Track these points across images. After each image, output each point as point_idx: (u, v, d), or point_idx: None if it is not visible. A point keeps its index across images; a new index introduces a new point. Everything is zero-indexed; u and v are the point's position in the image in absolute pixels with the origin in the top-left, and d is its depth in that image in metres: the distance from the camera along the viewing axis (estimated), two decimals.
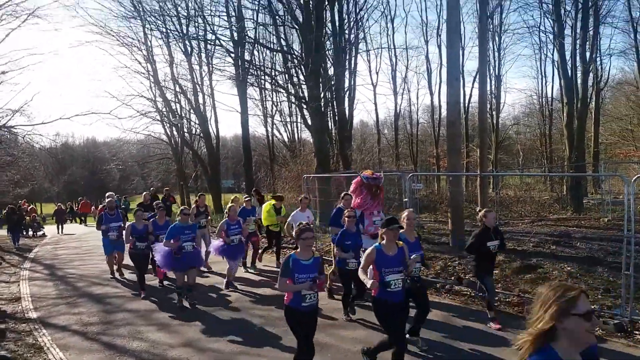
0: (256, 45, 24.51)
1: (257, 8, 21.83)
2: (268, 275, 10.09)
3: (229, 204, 9.55)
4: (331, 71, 19.57)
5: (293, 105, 28.51)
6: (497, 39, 29.14)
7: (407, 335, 5.59)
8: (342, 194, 8.54)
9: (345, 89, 22.43)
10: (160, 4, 22.85)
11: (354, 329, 6.62)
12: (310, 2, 16.13)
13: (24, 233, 20.78)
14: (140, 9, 23.66)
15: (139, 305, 8.30)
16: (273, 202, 10.90)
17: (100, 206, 13.04)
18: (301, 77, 19.26)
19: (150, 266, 9.43)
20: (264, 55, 28.90)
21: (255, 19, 22.96)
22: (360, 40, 25.65)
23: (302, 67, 17.94)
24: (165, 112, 28.75)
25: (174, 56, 26.87)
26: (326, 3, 18.09)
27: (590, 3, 20.02)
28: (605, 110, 30.02)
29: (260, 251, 11.18)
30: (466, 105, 30.02)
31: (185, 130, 29.69)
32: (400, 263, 4.79)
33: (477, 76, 18.74)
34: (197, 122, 28.06)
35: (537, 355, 1.90)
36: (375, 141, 34.99)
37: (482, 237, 6.43)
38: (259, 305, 8.00)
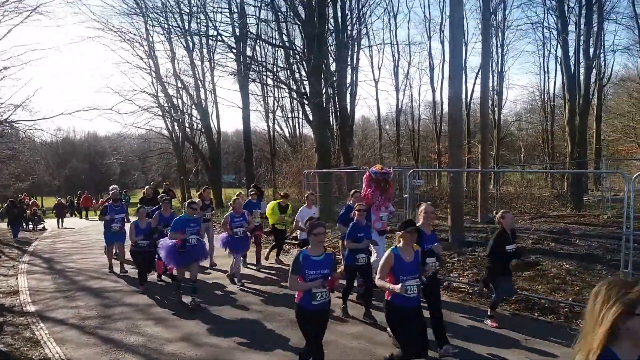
0: (258, 41, 24.53)
1: (259, 4, 21.83)
2: (270, 273, 10.06)
3: (234, 197, 9.48)
4: (333, 67, 19.51)
5: (294, 101, 28.51)
6: (500, 35, 29.14)
7: (440, 349, 5.34)
8: (352, 192, 8.45)
9: (347, 85, 22.40)
10: (163, 0, 22.82)
11: (351, 324, 6.60)
12: None
13: (24, 226, 20.84)
14: (143, 6, 23.64)
15: (137, 300, 8.30)
16: (279, 200, 10.85)
17: (101, 200, 13.05)
18: (303, 72, 19.21)
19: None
20: (266, 50, 28.96)
21: (257, 15, 23.00)
22: (362, 36, 25.71)
23: (304, 63, 17.88)
24: (167, 108, 28.74)
25: (176, 52, 26.86)
26: None
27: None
28: (607, 107, 29.93)
29: (268, 250, 11.14)
30: (468, 101, 29.98)
31: (187, 125, 29.70)
32: (417, 269, 4.62)
33: (480, 72, 18.68)
34: (198, 117, 28.07)
35: None
36: (376, 137, 35.01)
37: (501, 240, 6.27)
38: (259, 301, 7.98)
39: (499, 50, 29.26)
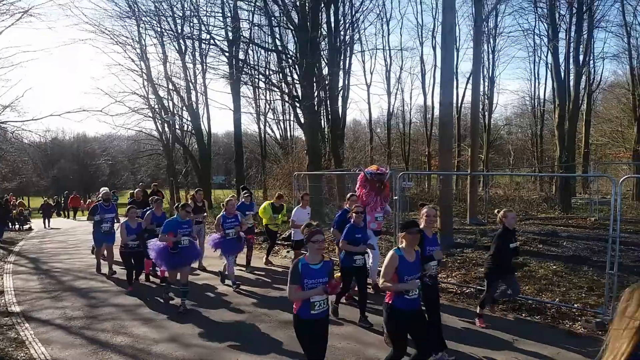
0: (251, 44, 24.49)
1: (252, 9, 21.72)
2: (261, 274, 10.02)
3: (227, 198, 9.38)
4: (325, 71, 19.53)
5: (286, 104, 28.48)
6: (491, 41, 29.46)
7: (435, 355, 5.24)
8: (349, 195, 8.21)
9: (339, 89, 22.42)
10: (156, 4, 22.69)
11: (340, 325, 6.59)
12: (307, 3, 16.08)
13: (10, 226, 20.59)
14: (136, 9, 23.46)
15: (124, 300, 8.22)
16: (271, 201, 10.77)
17: (89, 200, 12.92)
18: (295, 76, 19.19)
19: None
20: (259, 54, 28.92)
21: (250, 19, 22.92)
22: (355, 41, 25.73)
23: (296, 66, 17.88)
24: (157, 109, 28.61)
25: (168, 54, 26.75)
26: (322, 5, 18.05)
27: (584, 7, 20.12)
28: (596, 112, 30.33)
29: (266, 255, 11.10)
30: (459, 105, 30.28)
31: (177, 126, 29.55)
32: (419, 269, 4.55)
33: (471, 78, 18.81)
34: (189, 119, 27.95)
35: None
36: (367, 140, 35.13)
37: (505, 239, 6.24)
38: (249, 302, 7.94)
39: (491, 56, 29.60)
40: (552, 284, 7.89)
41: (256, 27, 23.87)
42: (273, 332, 6.39)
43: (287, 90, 20.17)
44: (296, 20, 16.92)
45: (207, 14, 22.26)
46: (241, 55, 24.01)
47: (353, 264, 6.62)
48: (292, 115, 27.27)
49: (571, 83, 21.53)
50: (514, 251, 6.37)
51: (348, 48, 23.45)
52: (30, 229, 21.70)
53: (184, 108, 28.11)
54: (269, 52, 25.63)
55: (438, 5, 28.07)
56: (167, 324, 6.87)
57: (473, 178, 15.12)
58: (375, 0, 28.06)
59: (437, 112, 24.40)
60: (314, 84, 17.11)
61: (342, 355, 5.55)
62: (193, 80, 27.07)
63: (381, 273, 4.48)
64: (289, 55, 19.99)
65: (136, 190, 12.80)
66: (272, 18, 18.84)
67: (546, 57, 29.40)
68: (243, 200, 10.47)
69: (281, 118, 32.13)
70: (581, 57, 21.37)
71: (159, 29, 24.03)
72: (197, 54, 26.25)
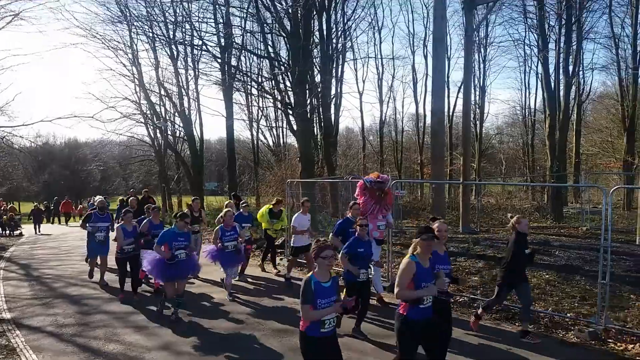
0: (243, 51, 24.52)
1: (245, 16, 21.78)
2: (256, 283, 9.95)
3: (225, 209, 9.13)
4: (318, 78, 19.60)
5: (279, 110, 28.53)
6: (482, 50, 29.84)
7: None
8: (351, 204, 8.02)
9: (332, 96, 22.52)
10: (148, 9, 22.70)
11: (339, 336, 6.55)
12: (299, 11, 16.15)
13: (0, 232, 20.36)
14: (127, 14, 23.42)
15: (116, 307, 8.15)
16: (270, 206, 10.71)
17: (80, 206, 12.78)
18: (288, 83, 19.24)
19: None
20: (251, 61, 28.99)
21: (242, 26, 22.93)
22: (347, 49, 25.90)
23: (288, 74, 17.92)
24: (149, 115, 28.48)
25: (160, 60, 26.59)
26: (314, 13, 18.13)
27: (573, 19, 20.42)
28: (586, 122, 30.72)
29: (271, 262, 11.00)
30: (451, 114, 30.54)
31: (169, 132, 29.45)
32: (432, 275, 4.40)
33: (462, 87, 18.99)
34: (181, 125, 27.83)
35: None
36: (360, 147, 35.23)
37: (521, 244, 6.22)
38: (243, 310, 7.90)
39: (481, 65, 29.95)
40: (545, 294, 7.93)
41: (248, 34, 23.95)
42: (267, 340, 6.36)
43: (279, 97, 20.21)
44: (288, 28, 16.99)
45: (200, 20, 22.34)
46: (233, 62, 24.04)
47: (357, 279, 6.38)
48: (284, 122, 27.39)
49: (561, 93, 21.88)
50: (529, 257, 6.31)
51: (340, 56, 23.62)
52: (21, 234, 21.46)
53: (176, 114, 27.97)
54: (262, 59, 25.73)
55: (429, 15, 28.38)
56: (160, 332, 6.82)
57: (465, 187, 15.22)
58: (367, 9, 28.29)
59: (429, 120, 24.52)
60: (307, 92, 17.16)
61: None
62: (185, 86, 27.00)
63: (396, 282, 4.32)
64: (281, 62, 20.05)
65: (130, 198, 12.40)
66: (265, 25, 18.86)
67: (536, 67, 29.86)
68: (241, 210, 10.28)
69: (274, 125, 32.17)
70: (571, 68, 21.75)
71: (151, 34, 23.97)
72: (189, 59, 26.17)
